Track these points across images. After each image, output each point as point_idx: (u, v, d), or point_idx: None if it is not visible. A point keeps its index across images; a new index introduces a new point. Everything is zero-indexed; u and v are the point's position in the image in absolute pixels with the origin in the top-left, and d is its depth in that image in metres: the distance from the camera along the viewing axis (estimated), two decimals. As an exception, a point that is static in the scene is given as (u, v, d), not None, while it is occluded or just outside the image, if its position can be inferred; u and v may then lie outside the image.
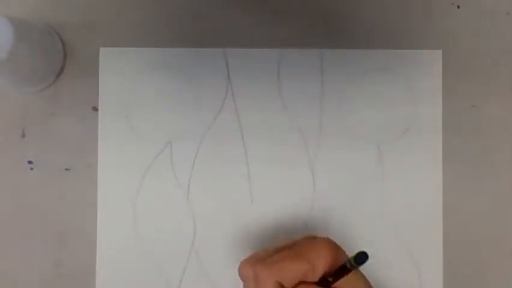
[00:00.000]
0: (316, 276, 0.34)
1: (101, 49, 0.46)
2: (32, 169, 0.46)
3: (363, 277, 0.36)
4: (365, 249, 0.34)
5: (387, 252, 0.45)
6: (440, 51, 0.46)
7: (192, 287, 0.45)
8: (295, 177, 0.45)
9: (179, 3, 0.46)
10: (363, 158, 0.46)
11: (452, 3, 0.47)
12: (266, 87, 0.46)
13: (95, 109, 0.46)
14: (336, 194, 0.45)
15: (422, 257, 0.45)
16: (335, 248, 0.35)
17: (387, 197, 0.45)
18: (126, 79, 0.46)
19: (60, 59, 0.46)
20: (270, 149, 0.45)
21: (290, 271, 0.34)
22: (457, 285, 0.45)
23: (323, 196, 0.45)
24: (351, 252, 0.35)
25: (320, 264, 0.34)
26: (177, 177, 0.45)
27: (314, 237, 0.36)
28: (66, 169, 0.46)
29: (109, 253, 0.45)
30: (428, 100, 0.46)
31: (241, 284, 0.37)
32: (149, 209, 0.45)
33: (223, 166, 0.45)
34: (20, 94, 0.46)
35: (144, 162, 0.45)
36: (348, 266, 0.33)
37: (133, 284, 0.45)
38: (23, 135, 0.46)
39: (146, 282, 0.45)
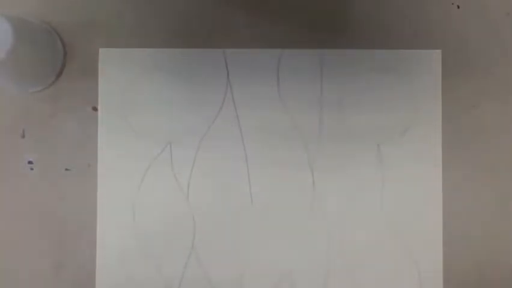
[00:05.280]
0: None
1: (101, 50, 0.46)
2: (32, 169, 0.46)
3: None
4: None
5: (387, 252, 0.45)
6: (440, 51, 0.46)
7: (192, 287, 0.45)
8: (295, 177, 0.45)
9: (179, 4, 0.46)
10: (363, 158, 0.46)
11: (452, 3, 0.47)
12: (266, 87, 0.46)
13: (95, 109, 0.46)
14: (336, 194, 0.45)
15: (422, 257, 0.45)
16: None
17: (387, 197, 0.45)
18: (126, 79, 0.46)
19: (60, 59, 0.46)
20: (269, 149, 0.45)
21: None
22: (457, 285, 0.45)
23: (323, 196, 0.45)
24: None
25: None
26: (177, 177, 0.45)
27: None
28: (66, 169, 0.46)
29: (109, 253, 0.45)
30: (428, 100, 0.46)
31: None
32: (149, 209, 0.45)
33: (223, 166, 0.45)
34: (20, 94, 0.46)
35: (144, 162, 0.45)
36: None
37: (133, 284, 0.45)
38: (23, 135, 0.46)
39: (146, 282, 0.45)
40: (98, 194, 0.45)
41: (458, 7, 0.47)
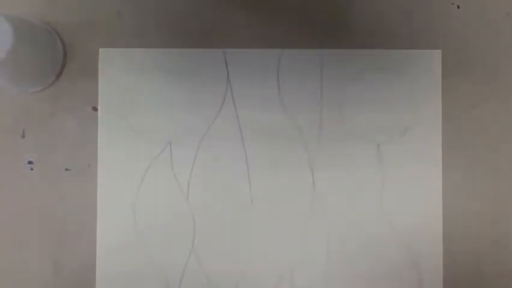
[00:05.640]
0: None
1: (101, 50, 0.46)
2: (32, 169, 0.46)
3: None
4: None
5: (387, 252, 0.45)
6: (440, 51, 0.46)
7: (192, 287, 0.45)
8: (295, 177, 0.45)
9: (179, 4, 0.46)
10: (363, 158, 0.46)
11: (452, 3, 0.47)
12: (266, 87, 0.46)
13: (95, 109, 0.46)
14: (336, 194, 0.45)
15: (422, 256, 0.45)
16: None
17: (387, 197, 0.45)
18: (126, 79, 0.46)
19: (60, 59, 0.46)
20: (269, 149, 0.45)
21: None
22: (457, 285, 0.45)
23: (323, 196, 0.45)
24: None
25: None
26: (177, 177, 0.45)
27: None
28: (66, 169, 0.46)
29: (109, 253, 0.45)
30: (428, 100, 0.46)
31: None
32: (149, 209, 0.45)
33: (223, 166, 0.45)
34: (20, 94, 0.46)
35: (144, 162, 0.45)
36: None
37: (133, 284, 0.45)
38: (23, 135, 0.46)
39: (146, 282, 0.45)
40: (98, 194, 0.45)
41: (458, 7, 0.47)
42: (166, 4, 0.46)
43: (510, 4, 0.46)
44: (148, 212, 0.45)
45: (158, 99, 0.46)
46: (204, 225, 0.45)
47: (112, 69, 0.46)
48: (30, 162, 0.46)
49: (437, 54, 0.46)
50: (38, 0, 0.46)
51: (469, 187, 0.46)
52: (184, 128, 0.46)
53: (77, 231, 0.45)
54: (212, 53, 0.46)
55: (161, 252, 0.45)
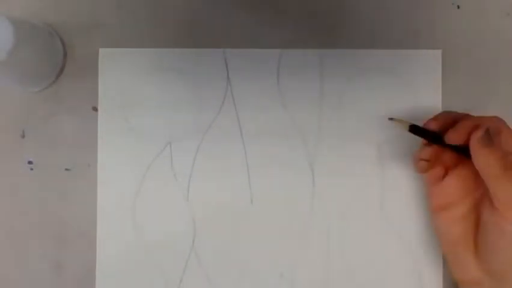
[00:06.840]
0: None
1: (101, 50, 0.46)
2: (32, 169, 0.46)
3: None
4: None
5: (387, 252, 0.45)
6: (440, 51, 0.46)
7: (192, 287, 0.45)
8: (295, 177, 0.45)
9: (179, 4, 0.46)
10: (363, 158, 0.46)
11: (452, 3, 0.47)
12: (266, 87, 0.46)
13: (95, 109, 0.46)
14: (336, 194, 0.45)
15: (423, 257, 0.45)
16: None
17: (387, 197, 0.45)
18: (126, 79, 0.46)
19: (60, 59, 0.46)
20: (269, 149, 0.45)
21: None
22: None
23: (323, 196, 0.45)
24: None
25: None
26: (177, 177, 0.45)
27: None
28: (66, 169, 0.46)
29: (109, 253, 0.45)
30: (427, 100, 0.46)
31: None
32: (149, 209, 0.45)
33: (223, 166, 0.45)
34: (20, 94, 0.46)
35: (144, 162, 0.45)
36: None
37: (133, 284, 0.45)
38: (23, 135, 0.46)
39: (146, 282, 0.45)
40: (98, 194, 0.45)
41: (458, 7, 0.47)
42: (166, 4, 0.46)
43: (510, 4, 0.46)
44: (148, 212, 0.45)
45: (158, 99, 0.46)
46: (204, 225, 0.45)
47: (112, 69, 0.46)
48: (30, 162, 0.46)
49: (437, 54, 0.46)
50: (39, 1, 0.46)
51: (469, 187, 0.46)
52: (184, 128, 0.46)
53: (77, 231, 0.45)
54: (212, 53, 0.46)
55: (161, 252, 0.45)
